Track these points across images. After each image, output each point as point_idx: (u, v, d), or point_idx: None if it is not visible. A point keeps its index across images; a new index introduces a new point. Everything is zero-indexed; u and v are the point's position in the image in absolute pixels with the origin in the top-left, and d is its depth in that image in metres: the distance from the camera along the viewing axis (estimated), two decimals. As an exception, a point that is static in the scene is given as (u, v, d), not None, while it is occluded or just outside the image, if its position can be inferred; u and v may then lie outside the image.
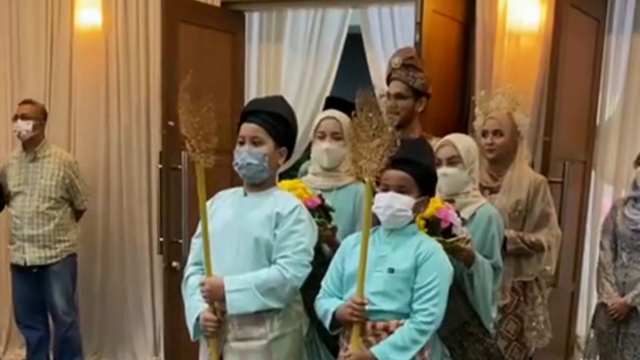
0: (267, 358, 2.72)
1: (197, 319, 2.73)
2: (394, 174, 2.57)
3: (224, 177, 3.46)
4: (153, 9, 4.89)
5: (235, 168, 2.74)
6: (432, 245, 2.60)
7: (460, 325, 2.81)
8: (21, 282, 4.69)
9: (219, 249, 2.70)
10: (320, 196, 2.97)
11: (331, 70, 5.08)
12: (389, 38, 4.86)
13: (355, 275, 2.55)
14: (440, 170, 2.92)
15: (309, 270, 2.71)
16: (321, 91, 5.06)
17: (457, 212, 2.81)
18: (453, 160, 2.98)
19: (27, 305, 4.74)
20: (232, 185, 2.93)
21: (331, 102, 3.44)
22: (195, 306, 2.75)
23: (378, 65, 4.79)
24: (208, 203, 2.77)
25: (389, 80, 3.60)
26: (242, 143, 2.72)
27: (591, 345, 4.02)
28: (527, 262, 3.51)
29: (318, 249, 2.83)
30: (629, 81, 4.33)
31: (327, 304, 2.65)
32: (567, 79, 3.95)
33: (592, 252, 4.44)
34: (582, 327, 4.59)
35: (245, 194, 2.78)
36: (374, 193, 2.59)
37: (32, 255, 4.57)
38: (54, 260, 4.61)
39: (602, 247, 3.92)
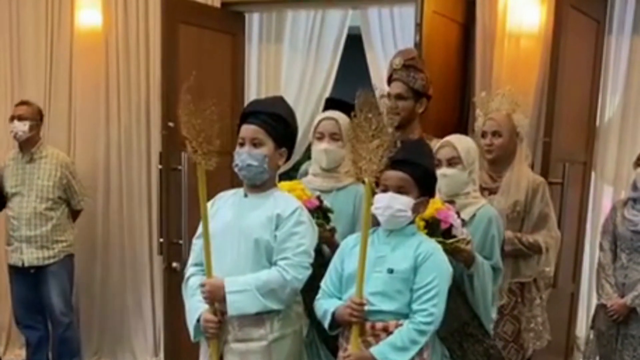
0: (267, 359, 2.72)
1: (198, 320, 2.73)
2: (393, 175, 2.58)
3: (224, 178, 3.46)
4: (153, 10, 4.89)
5: (236, 169, 2.74)
6: (431, 246, 2.61)
7: (460, 326, 2.81)
8: (19, 283, 4.70)
9: (220, 250, 2.70)
10: (318, 197, 2.97)
11: (331, 71, 5.08)
12: (389, 39, 4.86)
13: (355, 276, 2.55)
14: (440, 171, 2.92)
15: (309, 272, 2.71)
16: (321, 92, 5.06)
17: (457, 213, 2.81)
18: (453, 161, 2.98)
19: (26, 306, 4.74)
20: (232, 187, 2.93)
21: (331, 103, 3.43)
22: (195, 307, 2.75)
23: (378, 66, 4.79)
24: (209, 204, 2.77)
25: (389, 80, 3.61)
26: (242, 144, 2.72)
27: (591, 346, 4.03)
28: (525, 264, 3.51)
29: (318, 250, 2.83)
30: (629, 82, 4.33)
31: (326, 305, 2.66)
32: (567, 80, 3.95)
33: (592, 253, 4.44)
34: (582, 328, 4.59)
35: (246, 195, 2.79)
36: (374, 193, 2.59)
37: (30, 256, 4.57)
38: (51, 260, 4.61)
39: (601, 248, 3.92)
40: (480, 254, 2.87)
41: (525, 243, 3.45)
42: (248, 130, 2.72)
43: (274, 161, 2.75)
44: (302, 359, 2.86)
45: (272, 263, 2.70)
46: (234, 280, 2.66)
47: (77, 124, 5.20)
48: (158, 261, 4.94)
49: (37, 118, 4.65)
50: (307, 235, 2.71)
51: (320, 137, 3.16)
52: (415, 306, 2.54)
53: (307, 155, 3.67)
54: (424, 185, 2.62)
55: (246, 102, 4.42)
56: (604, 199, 4.50)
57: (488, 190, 3.47)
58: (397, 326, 2.54)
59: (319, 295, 2.71)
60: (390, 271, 2.56)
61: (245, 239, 2.70)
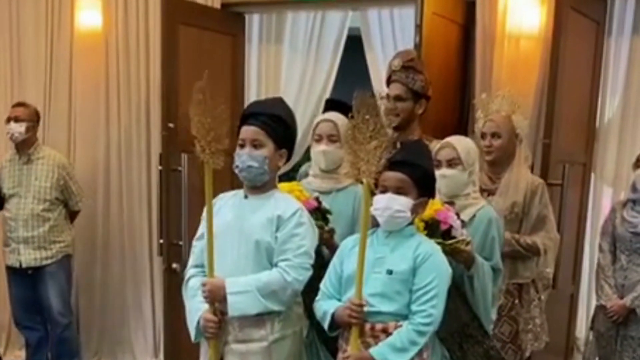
0: (267, 360, 2.72)
1: (199, 321, 2.73)
2: (392, 176, 2.58)
3: (224, 179, 3.46)
4: (153, 11, 4.89)
5: (236, 171, 2.74)
6: (430, 247, 2.61)
7: (459, 327, 2.81)
8: (17, 283, 4.70)
9: (220, 251, 2.70)
10: (317, 199, 2.98)
11: (331, 72, 5.08)
12: (388, 40, 4.85)
13: (354, 277, 2.56)
14: (440, 172, 2.93)
15: (310, 273, 2.71)
16: (321, 93, 5.06)
17: (457, 214, 2.81)
18: (453, 162, 2.99)
19: (25, 307, 4.74)
20: (233, 188, 2.93)
21: (331, 104, 3.44)
22: (196, 307, 2.76)
23: (378, 67, 4.78)
24: (209, 205, 2.78)
25: (389, 82, 3.61)
26: (242, 146, 2.72)
27: (590, 347, 4.03)
28: (523, 265, 3.51)
29: (318, 252, 2.84)
30: (629, 83, 4.33)
31: (326, 306, 2.66)
32: (567, 81, 3.96)
33: (591, 254, 4.44)
34: (582, 329, 4.60)
35: (246, 197, 2.79)
36: (373, 194, 2.59)
37: (27, 257, 4.58)
38: (49, 261, 4.61)
39: (601, 249, 3.92)
40: (480, 255, 2.87)
41: (523, 244, 3.45)
42: (248, 131, 2.72)
43: (274, 162, 2.76)
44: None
45: (272, 264, 2.70)
46: (234, 281, 2.66)
47: (77, 125, 5.20)
48: (158, 262, 4.94)
49: (33, 119, 4.65)
50: (307, 237, 2.71)
51: (318, 139, 3.17)
52: (414, 307, 2.54)
53: (307, 157, 3.67)
54: (423, 186, 2.62)
55: (246, 103, 4.42)
56: (603, 200, 4.50)
57: (487, 192, 3.47)
58: (396, 327, 2.54)
59: (318, 297, 2.72)
60: (390, 272, 2.56)
61: (246, 240, 2.70)
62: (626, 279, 3.79)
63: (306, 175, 3.34)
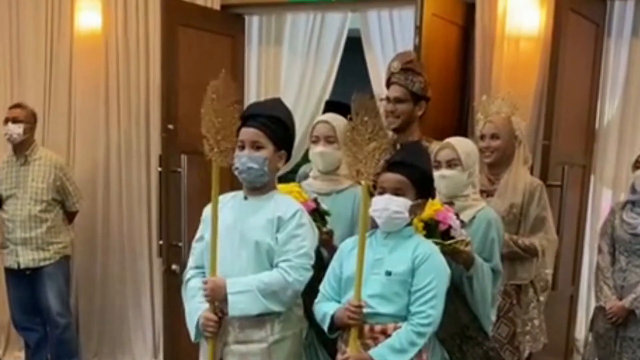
0: (266, 361, 2.72)
1: (198, 320, 2.74)
2: (390, 177, 2.59)
3: (224, 180, 3.46)
4: (153, 12, 4.89)
5: (236, 172, 2.75)
6: (429, 248, 2.61)
7: (459, 329, 2.81)
8: (15, 285, 4.70)
9: (220, 252, 2.70)
10: (315, 200, 2.98)
11: (331, 73, 5.07)
12: (388, 41, 4.85)
13: (353, 278, 2.56)
14: (440, 173, 2.93)
15: (310, 274, 2.71)
16: (320, 94, 5.06)
17: (457, 215, 2.81)
18: (452, 163, 2.98)
19: (24, 308, 4.74)
20: (232, 189, 2.93)
21: (330, 106, 3.45)
22: (196, 307, 2.76)
23: (378, 68, 4.78)
24: (208, 207, 2.78)
25: (388, 84, 3.61)
26: (242, 147, 2.72)
27: (589, 349, 4.03)
28: (522, 266, 3.50)
29: (318, 253, 2.84)
30: (628, 85, 4.33)
31: (325, 308, 2.66)
32: (567, 82, 3.96)
33: (591, 256, 4.43)
34: (581, 330, 4.60)
35: (246, 198, 2.79)
36: (371, 195, 2.60)
37: (25, 258, 4.58)
38: (47, 262, 4.61)
39: (600, 250, 3.92)
40: (479, 256, 2.86)
41: (521, 245, 3.45)
42: (248, 133, 2.72)
43: (273, 164, 2.76)
44: (301, 361, 2.87)
45: (273, 265, 2.70)
46: (235, 281, 2.66)
47: (77, 126, 5.20)
48: (157, 263, 4.95)
49: (31, 121, 4.65)
50: (308, 238, 2.72)
51: (316, 141, 3.18)
52: (413, 308, 2.54)
53: (306, 158, 3.67)
54: (421, 187, 2.63)
55: (245, 105, 4.42)
56: (603, 201, 4.50)
57: (486, 193, 3.47)
58: (395, 328, 2.54)
59: (318, 299, 2.72)
60: (388, 273, 2.56)
61: (246, 242, 2.71)
62: (625, 280, 3.79)
63: (305, 176, 3.34)
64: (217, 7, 4.83)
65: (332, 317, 2.62)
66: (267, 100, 3.24)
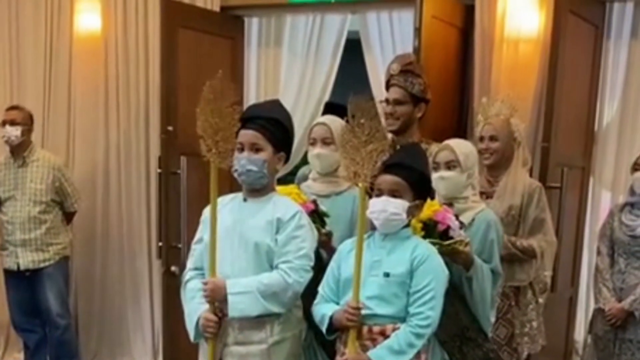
0: (266, 362, 2.72)
1: (198, 321, 2.74)
2: (387, 179, 2.59)
3: (223, 182, 3.46)
4: (152, 14, 4.90)
5: (235, 174, 2.75)
6: (427, 249, 2.61)
7: (459, 331, 2.81)
8: (15, 286, 4.71)
9: (220, 254, 2.70)
10: (314, 202, 2.98)
11: (330, 75, 5.07)
12: (388, 43, 4.85)
13: (351, 280, 2.56)
14: (438, 174, 2.94)
15: (310, 275, 2.72)
16: (320, 96, 5.06)
17: (456, 216, 2.82)
18: (451, 164, 2.99)
19: (23, 309, 4.75)
20: (231, 191, 2.93)
21: (330, 108, 3.45)
22: (195, 308, 2.76)
23: (377, 70, 4.78)
24: (207, 209, 2.78)
25: (387, 86, 3.61)
26: (241, 149, 2.72)
27: (588, 351, 4.03)
28: (520, 268, 3.50)
29: (317, 255, 2.84)
30: (627, 87, 4.33)
31: (323, 309, 2.67)
32: (566, 84, 3.96)
33: (590, 258, 4.43)
34: (580, 332, 4.59)
35: (245, 200, 2.79)
36: (370, 197, 2.60)
37: (25, 259, 4.58)
38: (46, 263, 4.62)
39: (599, 252, 3.92)
40: (479, 257, 2.86)
41: (520, 247, 3.45)
42: (247, 135, 2.72)
43: (272, 165, 2.76)
44: (301, 362, 2.87)
45: (272, 267, 2.70)
46: (235, 282, 2.67)
47: (77, 128, 5.20)
48: (157, 265, 4.95)
49: (28, 123, 4.66)
50: (307, 239, 2.72)
51: (313, 143, 3.18)
52: (411, 309, 2.54)
53: (305, 160, 3.68)
54: (419, 189, 2.63)
55: (245, 106, 4.42)
56: (602, 203, 4.50)
57: (485, 195, 3.48)
58: (394, 330, 2.55)
59: (316, 300, 2.72)
60: (387, 275, 2.57)
61: (246, 243, 2.71)
62: (624, 282, 3.79)
63: (304, 178, 3.34)
64: (216, 8, 4.83)
65: (331, 318, 2.62)
66: (266, 102, 3.24)
